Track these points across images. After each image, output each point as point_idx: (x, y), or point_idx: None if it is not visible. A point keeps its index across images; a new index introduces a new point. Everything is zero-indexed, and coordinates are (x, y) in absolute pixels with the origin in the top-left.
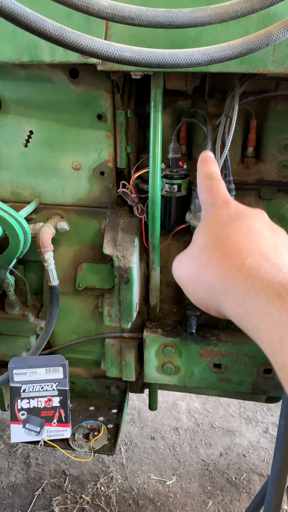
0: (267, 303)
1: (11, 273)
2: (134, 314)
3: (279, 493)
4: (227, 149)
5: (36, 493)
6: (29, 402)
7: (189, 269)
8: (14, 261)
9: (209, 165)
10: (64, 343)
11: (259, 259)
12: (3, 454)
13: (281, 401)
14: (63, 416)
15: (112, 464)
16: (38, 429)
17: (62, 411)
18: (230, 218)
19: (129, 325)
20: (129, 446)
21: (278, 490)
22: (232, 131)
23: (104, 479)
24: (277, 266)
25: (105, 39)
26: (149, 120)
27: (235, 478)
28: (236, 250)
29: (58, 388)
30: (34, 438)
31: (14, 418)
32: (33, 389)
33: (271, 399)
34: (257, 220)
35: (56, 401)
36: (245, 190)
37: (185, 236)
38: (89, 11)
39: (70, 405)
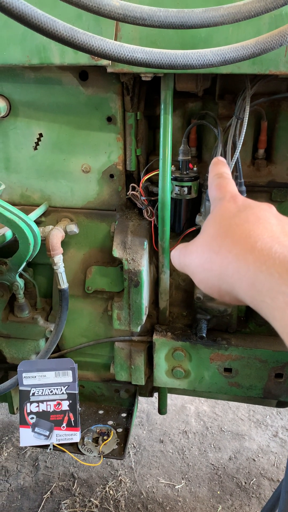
0: (280, 281)
1: (21, 276)
2: (144, 318)
3: None
4: (238, 151)
5: (45, 496)
6: (38, 406)
7: (200, 256)
8: (24, 264)
9: (219, 166)
10: (73, 346)
11: (269, 241)
12: (12, 456)
13: None
14: (72, 420)
15: (120, 468)
16: (47, 433)
17: (71, 415)
18: (237, 209)
19: (139, 329)
20: (138, 449)
21: None
22: (243, 133)
23: (113, 483)
24: (287, 247)
25: (115, 40)
26: (159, 122)
27: (245, 483)
28: (245, 236)
29: (67, 391)
30: (43, 442)
31: (23, 422)
32: (42, 393)
33: (282, 404)
34: (264, 211)
35: (65, 405)
36: (256, 192)
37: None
38: (100, 12)
39: (79, 408)
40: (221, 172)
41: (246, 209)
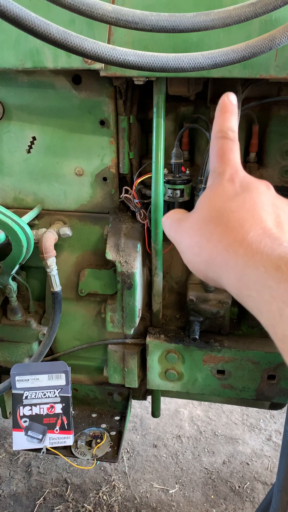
0: (266, 276)
1: (14, 279)
2: (137, 320)
3: (285, 501)
4: None
5: (38, 502)
6: (31, 409)
7: (191, 238)
8: (17, 267)
9: (227, 116)
10: (66, 349)
11: (261, 234)
12: (4, 462)
13: (285, 408)
14: (65, 423)
15: (114, 473)
16: (40, 436)
17: (64, 418)
18: (235, 192)
19: (132, 331)
20: (132, 454)
21: (284, 497)
22: None
23: (106, 488)
24: (278, 240)
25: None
26: (152, 125)
27: (239, 487)
28: (238, 225)
29: (61, 394)
30: (36, 445)
31: (16, 425)
32: (35, 396)
33: (275, 406)
34: (262, 194)
35: (58, 408)
36: None
37: None
38: (93, 16)
39: (73, 412)
40: (226, 128)
41: (244, 191)
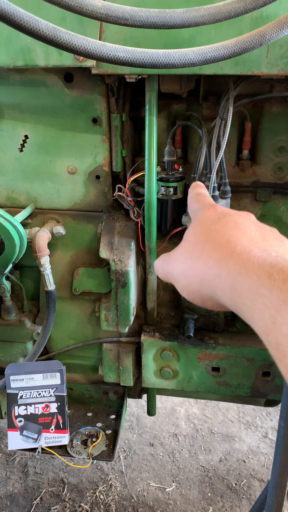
0: (258, 284)
1: (7, 278)
2: (131, 318)
3: (280, 496)
4: (223, 151)
5: (35, 502)
6: (26, 409)
7: (182, 263)
8: (10, 266)
9: (198, 187)
10: (61, 348)
11: (248, 245)
12: (0, 463)
13: (280, 404)
14: (60, 422)
15: (111, 472)
16: (35, 436)
17: (59, 417)
18: (217, 217)
19: (127, 330)
20: (128, 453)
21: (279, 493)
22: (227, 133)
23: (103, 487)
24: (266, 251)
25: None
26: (144, 123)
27: (235, 484)
28: (225, 241)
29: (56, 394)
30: (32, 445)
31: (11, 425)
32: (30, 396)
33: (270, 403)
34: (243, 218)
35: (53, 407)
36: (241, 192)
37: (181, 239)
38: (83, 12)
39: (68, 411)
40: (199, 192)
41: (225, 216)
